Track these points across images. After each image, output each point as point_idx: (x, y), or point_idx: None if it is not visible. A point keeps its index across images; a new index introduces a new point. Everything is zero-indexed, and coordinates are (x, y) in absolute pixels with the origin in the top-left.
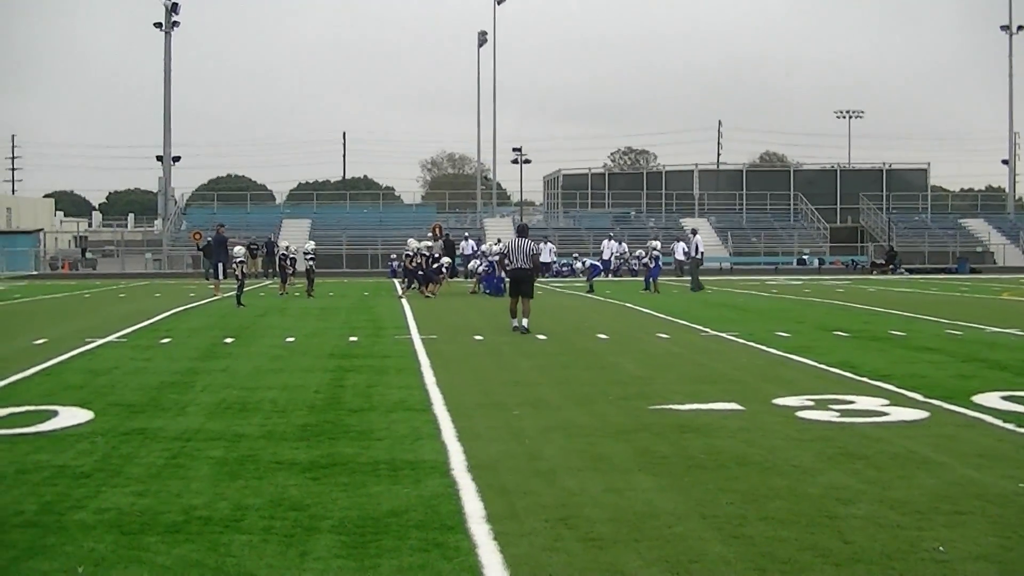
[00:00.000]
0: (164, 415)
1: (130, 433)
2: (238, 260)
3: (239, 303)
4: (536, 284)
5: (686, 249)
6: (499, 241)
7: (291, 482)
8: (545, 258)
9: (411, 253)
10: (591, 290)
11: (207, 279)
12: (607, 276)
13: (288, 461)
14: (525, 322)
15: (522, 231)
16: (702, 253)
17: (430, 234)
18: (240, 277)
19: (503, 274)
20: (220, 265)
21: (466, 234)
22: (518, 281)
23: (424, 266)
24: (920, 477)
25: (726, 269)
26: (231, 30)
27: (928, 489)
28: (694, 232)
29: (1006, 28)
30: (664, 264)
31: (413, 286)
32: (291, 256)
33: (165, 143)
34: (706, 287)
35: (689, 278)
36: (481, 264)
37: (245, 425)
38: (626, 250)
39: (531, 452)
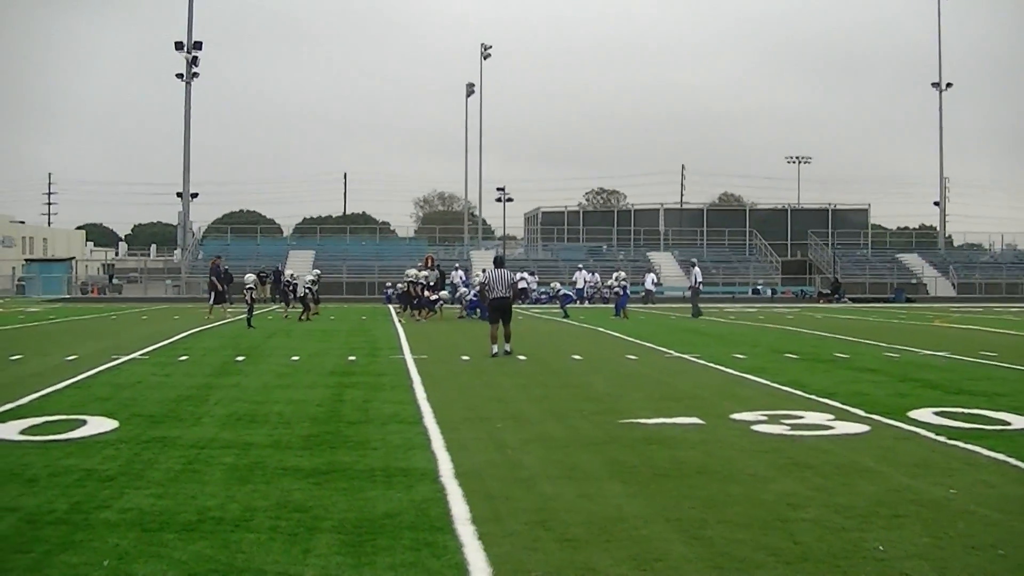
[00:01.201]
0: (181, 425)
1: (151, 441)
2: (248, 287)
3: (249, 325)
4: (515, 309)
5: (655, 280)
6: (484, 271)
7: (295, 486)
8: (523, 286)
9: (413, 280)
10: (566, 316)
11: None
12: (581, 303)
13: (293, 468)
14: (508, 346)
15: (498, 262)
16: (700, 283)
17: (420, 264)
18: (250, 302)
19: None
20: (215, 293)
21: (456, 264)
22: (501, 308)
23: (419, 294)
24: (862, 485)
25: (688, 298)
26: (247, 77)
27: (869, 495)
28: (693, 264)
29: (936, 85)
30: (632, 292)
31: (408, 311)
32: (294, 283)
33: (184, 181)
34: (669, 315)
35: (650, 305)
36: (470, 292)
37: (254, 435)
38: (598, 280)
39: (512, 461)
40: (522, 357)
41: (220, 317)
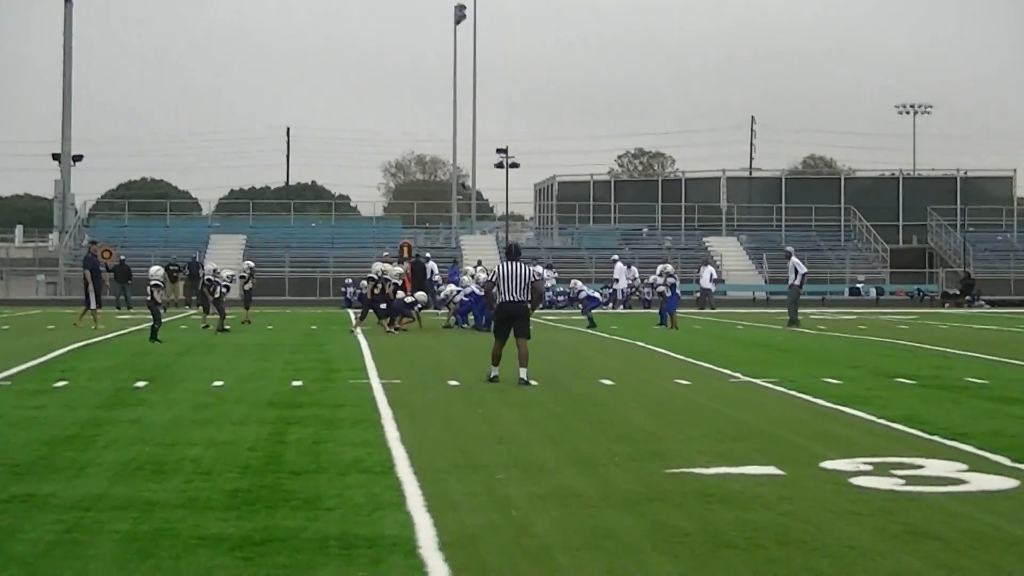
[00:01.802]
0: (57, 478)
1: (12, 501)
2: (152, 284)
3: (154, 338)
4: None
5: (714, 275)
6: (479, 264)
7: (217, 562)
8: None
9: (375, 277)
10: (592, 325)
11: (117, 307)
12: (614, 307)
13: (214, 536)
14: (523, 372)
15: (514, 253)
16: (803, 276)
17: (388, 254)
18: (155, 306)
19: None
20: (94, 292)
21: (427, 254)
22: (510, 317)
23: (390, 295)
24: (1009, 562)
25: (761, 300)
26: (147, 3)
27: None
28: (789, 254)
29: None
30: (683, 293)
31: (379, 321)
32: (218, 281)
33: (64, 138)
34: (735, 323)
35: (709, 309)
36: (458, 293)
37: (160, 490)
38: (636, 276)
39: (518, 526)
40: (534, 382)
41: (110, 328)
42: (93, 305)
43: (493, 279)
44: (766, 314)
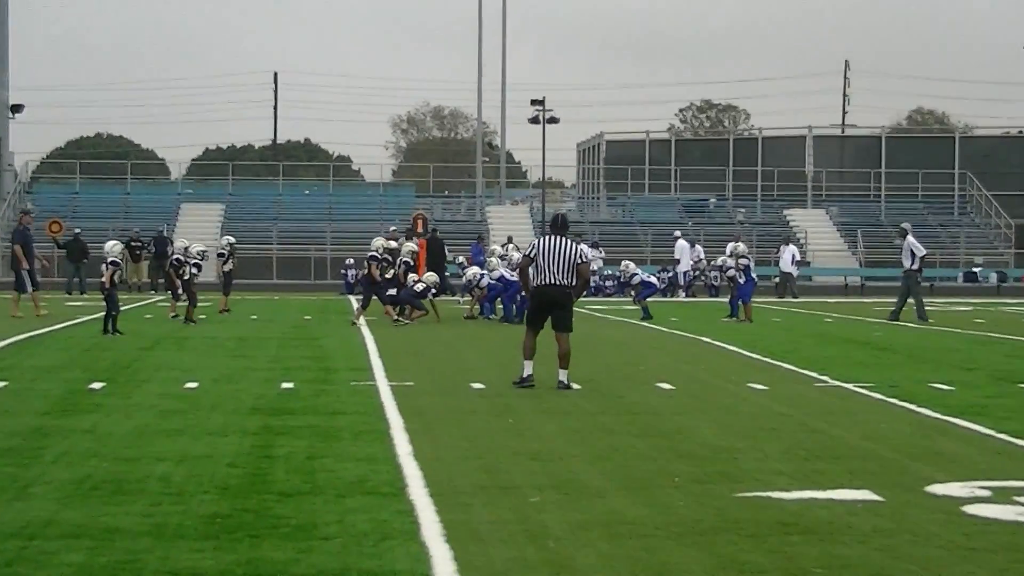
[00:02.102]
0: None
1: None
2: (110, 261)
3: (110, 329)
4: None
5: (797, 256)
6: (509, 241)
7: None
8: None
9: (376, 255)
10: (647, 316)
11: (67, 292)
12: (672, 295)
13: (186, 571)
14: (563, 375)
15: (559, 225)
16: (921, 260)
17: (396, 229)
18: (110, 289)
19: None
20: (25, 273)
21: (478, 239)
22: (549, 304)
23: (403, 278)
24: None
25: (855, 286)
26: None
27: None
28: (904, 232)
29: None
30: (760, 277)
31: (396, 310)
32: (189, 261)
33: None
34: (823, 315)
35: (792, 296)
36: (482, 276)
37: (121, 515)
38: (702, 256)
39: (557, 561)
40: (575, 385)
41: (58, 317)
42: (29, 288)
43: (530, 254)
44: (861, 304)
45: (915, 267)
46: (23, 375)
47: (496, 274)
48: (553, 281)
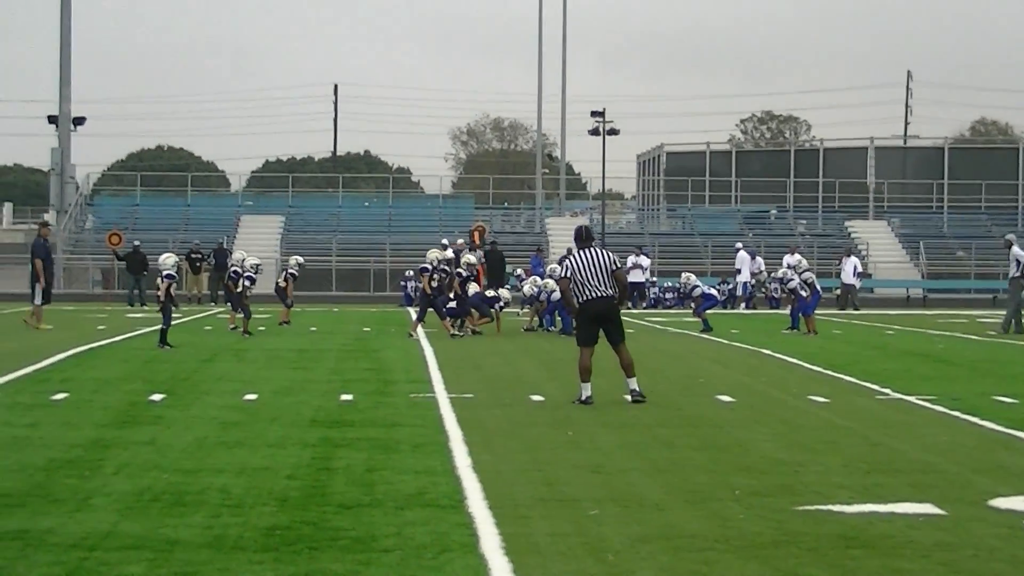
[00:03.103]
0: (56, 511)
1: (1, 538)
2: (165, 274)
3: (163, 342)
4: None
5: (859, 268)
6: (569, 253)
7: None
8: (636, 278)
9: (428, 267)
10: (707, 328)
11: (129, 304)
12: (734, 307)
13: None
14: (634, 383)
15: (582, 237)
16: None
17: (457, 241)
18: (164, 301)
19: (567, 311)
20: (37, 286)
21: (537, 249)
22: (598, 319)
23: (460, 290)
24: None
25: (917, 298)
26: None
27: None
28: (1009, 243)
29: None
30: (823, 288)
31: (454, 323)
32: (247, 273)
33: (62, 98)
34: (884, 327)
35: (853, 309)
36: (543, 291)
37: (180, 527)
38: (762, 267)
39: (616, 574)
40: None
41: (126, 327)
42: (38, 300)
43: (567, 275)
44: (923, 316)
45: (1019, 274)
46: (83, 387)
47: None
48: (596, 295)
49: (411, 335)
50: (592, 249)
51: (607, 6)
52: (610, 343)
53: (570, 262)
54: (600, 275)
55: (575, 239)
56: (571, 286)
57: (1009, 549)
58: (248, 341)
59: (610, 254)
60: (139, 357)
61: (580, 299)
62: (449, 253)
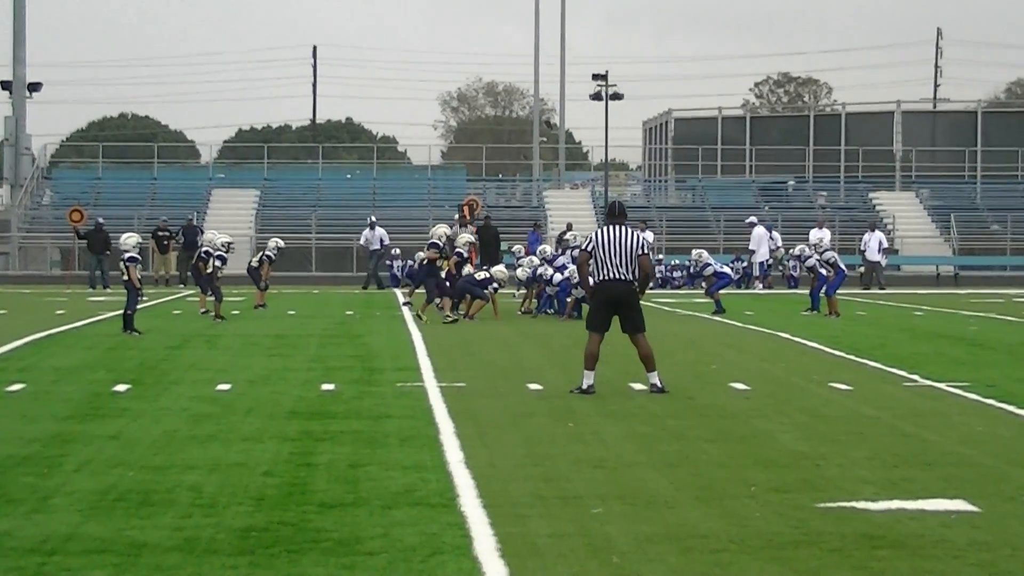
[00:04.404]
0: (13, 512)
1: None
2: (128, 257)
3: (128, 327)
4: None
5: (884, 243)
6: (569, 228)
7: None
8: None
9: (438, 244)
10: (719, 310)
11: (91, 286)
12: (748, 287)
13: None
14: (655, 376)
15: (616, 213)
16: None
17: (451, 220)
18: (130, 287)
19: (581, 290)
20: None
21: (535, 226)
22: (614, 303)
23: (455, 271)
24: None
25: (948, 276)
26: None
27: None
28: None
29: None
30: (847, 266)
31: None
32: (218, 253)
33: (16, 61)
34: (913, 308)
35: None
36: (548, 268)
37: (148, 528)
38: (779, 244)
39: None
40: (640, 387)
41: (87, 311)
42: None
43: (588, 248)
44: (955, 295)
45: None
46: (42, 377)
47: (557, 268)
48: (616, 276)
49: (420, 316)
50: (622, 227)
51: None
52: (626, 332)
53: (594, 236)
54: (624, 256)
55: (607, 213)
56: (588, 261)
57: None
58: (221, 326)
59: (640, 236)
60: (102, 344)
61: (596, 278)
62: (466, 236)
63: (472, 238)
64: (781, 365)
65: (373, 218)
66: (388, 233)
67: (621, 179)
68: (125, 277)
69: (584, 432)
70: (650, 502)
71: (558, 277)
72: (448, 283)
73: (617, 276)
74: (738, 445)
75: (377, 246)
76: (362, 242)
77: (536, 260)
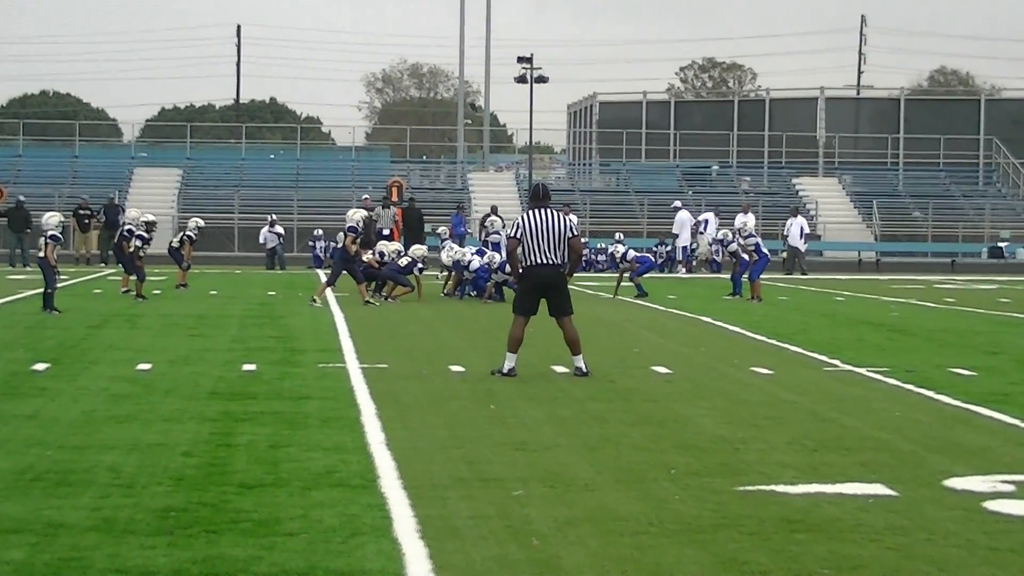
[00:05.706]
0: None
1: None
2: (49, 235)
3: (48, 306)
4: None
5: (805, 229)
6: (493, 211)
7: None
8: None
9: (356, 228)
10: (642, 293)
11: (11, 264)
12: (671, 271)
13: (137, 569)
14: (579, 360)
15: (541, 196)
16: None
17: (366, 198)
18: (47, 266)
19: (507, 276)
20: None
21: (460, 207)
22: (543, 287)
23: (377, 257)
24: None
25: (869, 262)
26: None
27: None
28: None
29: None
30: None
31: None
32: (139, 232)
33: None
34: (834, 294)
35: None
36: (470, 254)
37: (66, 508)
38: (708, 226)
39: (542, 560)
40: (562, 369)
41: (6, 289)
42: None
43: (517, 234)
44: (876, 281)
45: None
46: None
47: (484, 255)
48: (544, 260)
49: (315, 300)
50: (547, 210)
51: None
52: (553, 315)
53: (521, 221)
54: (552, 240)
55: (531, 196)
56: (517, 246)
57: (965, 533)
58: (141, 306)
59: (567, 218)
60: (21, 323)
61: (525, 263)
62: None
63: (365, 214)
64: (702, 349)
65: (273, 216)
66: (312, 213)
67: (546, 162)
68: (41, 254)
69: (505, 415)
70: (570, 485)
71: (476, 263)
72: (376, 267)
73: (546, 261)
74: (659, 429)
75: (274, 244)
76: (261, 240)
77: (459, 250)
